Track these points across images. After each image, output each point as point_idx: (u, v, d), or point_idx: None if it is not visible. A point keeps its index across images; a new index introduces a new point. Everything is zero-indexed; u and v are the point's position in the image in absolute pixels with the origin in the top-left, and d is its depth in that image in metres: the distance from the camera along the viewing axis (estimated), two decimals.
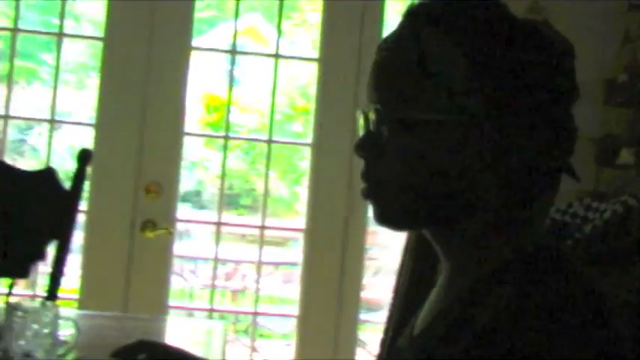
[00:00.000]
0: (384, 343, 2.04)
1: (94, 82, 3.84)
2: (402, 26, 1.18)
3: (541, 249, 1.13)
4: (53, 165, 3.64)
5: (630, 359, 1.09)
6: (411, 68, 1.14)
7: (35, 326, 1.72)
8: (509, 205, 1.14)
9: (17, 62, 4.75)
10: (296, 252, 3.95)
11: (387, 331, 2.07)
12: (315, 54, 3.88)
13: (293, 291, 3.99)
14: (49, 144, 3.87)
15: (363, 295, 3.86)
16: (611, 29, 3.67)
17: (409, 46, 1.15)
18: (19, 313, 1.71)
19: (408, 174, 1.14)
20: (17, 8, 3.84)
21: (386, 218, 1.19)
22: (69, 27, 6.73)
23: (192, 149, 6.76)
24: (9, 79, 3.87)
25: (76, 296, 3.80)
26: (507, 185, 1.12)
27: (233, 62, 3.89)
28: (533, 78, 1.11)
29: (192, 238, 5.90)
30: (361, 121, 1.20)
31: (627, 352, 1.08)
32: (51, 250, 2.58)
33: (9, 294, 2.60)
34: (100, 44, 3.81)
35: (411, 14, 1.18)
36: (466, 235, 1.16)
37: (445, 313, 1.16)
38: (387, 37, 1.20)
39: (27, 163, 7.25)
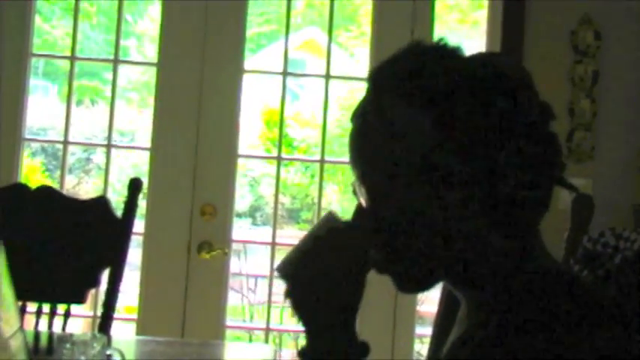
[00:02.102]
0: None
1: (153, 101, 3.88)
2: (367, 94, 1.20)
3: (544, 275, 1.15)
4: (115, 185, 3.73)
5: None
6: (377, 138, 1.16)
7: (83, 358, 1.76)
8: (502, 241, 1.15)
9: (83, 81, 4.88)
10: None
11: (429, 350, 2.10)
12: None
13: None
14: (107, 167, 3.94)
15: (420, 308, 3.88)
16: None
17: (373, 117, 1.17)
18: (67, 345, 1.75)
19: (404, 239, 1.17)
20: (75, 36, 3.93)
21: (400, 288, 1.22)
22: (132, 46, 6.86)
23: (253, 165, 6.81)
24: (68, 102, 3.94)
25: (135, 316, 3.87)
26: (499, 224, 1.14)
27: (284, 85, 3.90)
28: (497, 118, 1.12)
29: (251, 255, 5.93)
30: (355, 195, 1.23)
31: None
32: (105, 276, 2.63)
33: (66, 318, 2.65)
34: (154, 69, 3.87)
35: (372, 81, 1.20)
36: (469, 281, 1.19)
37: (461, 342, 1.19)
38: (356, 108, 1.21)
39: (92, 181, 7.36)
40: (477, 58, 1.19)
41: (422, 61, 1.17)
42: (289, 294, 1.19)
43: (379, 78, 1.19)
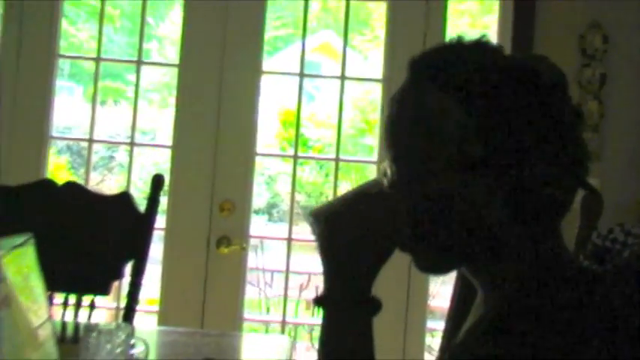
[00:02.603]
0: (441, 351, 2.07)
1: (174, 101, 3.89)
2: (406, 80, 1.21)
3: (562, 269, 1.16)
4: (137, 183, 3.74)
5: None
6: (416, 124, 1.17)
7: (109, 346, 1.77)
8: (522, 234, 1.16)
9: (107, 82, 4.89)
10: None
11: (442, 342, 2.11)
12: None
13: None
14: (130, 164, 3.96)
15: (431, 303, 3.87)
16: None
17: (412, 102, 1.18)
18: (94, 335, 1.76)
19: (430, 226, 1.17)
20: (100, 39, 3.95)
21: (419, 267, 1.23)
22: (153, 49, 6.87)
23: (270, 165, 6.82)
24: (93, 102, 3.96)
25: (157, 308, 3.88)
26: (521, 217, 1.14)
27: (301, 86, 3.90)
28: (530, 116, 1.12)
29: (267, 250, 5.94)
30: (383, 176, 1.22)
31: None
32: (128, 269, 2.64)
33: (91, 309, 2.67)
34: (176, 68, 3.88)
35: (412, 69, 1.20)
36: (489, 270, 1.19)
37: (473, 334, 1.20)
38: (396, 92, 1.22)
39: (115, 178, 7.39)
40: (517, 57, 1.19)
41: (462, 54, 1.17)
42: (321, 235, 1.18)
43: (420, 66, 1.19)
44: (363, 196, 1.19)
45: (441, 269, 1.25)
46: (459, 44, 1.19)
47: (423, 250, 1.20)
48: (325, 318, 1.18)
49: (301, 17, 3.94)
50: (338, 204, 1.20)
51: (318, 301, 1.18)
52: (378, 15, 5.00)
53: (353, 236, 1.15)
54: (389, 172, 1.21)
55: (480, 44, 1.19)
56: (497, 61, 1.17)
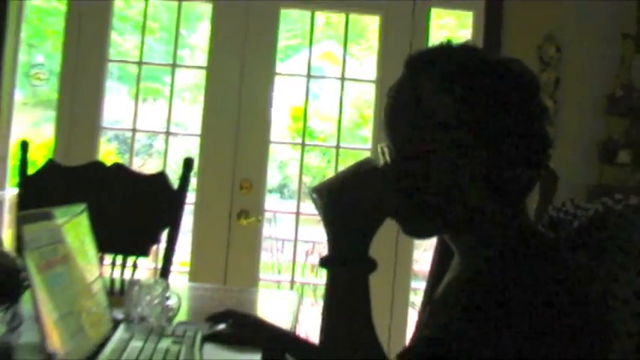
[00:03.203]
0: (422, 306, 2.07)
1: (203, 98, 3.90)
2: (403, 75, 1.20)
3: (528, 237, 1.15)
4: (171, 165, 3.74)
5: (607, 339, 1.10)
6: (411, 111, 1.16)
7: (148, 297, 1.77)
8: (496, 208, 1.16)
9: (147, 84, 4.87)
10: None
11: (423, 299, 2.10)
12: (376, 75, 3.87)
13: None
14: (166, 149, 3.97)
15: (414, 267, 3.88)
16: (611, 54, 3.65)
17: (408, 92, 1.17)
18: (136, 288, 1.76)
19: (419, 197, 1.16)
20: (142, 45, 3.95)
21: (406, 231, 1.22)
22: (186, 55, 6.87)
23: (281, 152, 6.82)
24: (136, 98, 3.97)
25: (187, 269, 3.89)
26: (495, 192, 1.14)
27: (308, 85, 3.90)
28: (509, 107, 1.12)
29: (279, 223, 5.95)
30: (381, 155, 1.22)
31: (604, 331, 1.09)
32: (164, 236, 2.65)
33: (134, 268, 2.67)
34: (204, 71, 3.88)
35: (408, 64, 1.19)
36: (467, 236, 1.19)
37: (451, 288, 1.20)
38: (393, 85, 1.21)
39: (154, 163, 7.40)
40: (499, 58, 1.19)
41: (452, 53, 1.17)
42: (324, 206, 1.17)
43: (415, 63, 1.19)
44: (357, 172, 1.17)
45: (424, 234, 1.24)
46: (450, 46, 1.19)
47: (410, 217, 1.19)
48: (329, 276, 1.17)
49: (308, 30, 3.95)
50: (337, 179, 1.19)
51: (324, 262, 1.17)
52: (372, 28, 4.99)
53: (350, 206, 1.14)
54: (387, 151, 1.20)
55: (466, 46, 1.19)
56: (480, 60, 1.16)
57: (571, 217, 1.56)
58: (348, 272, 1.15)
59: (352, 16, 4.00)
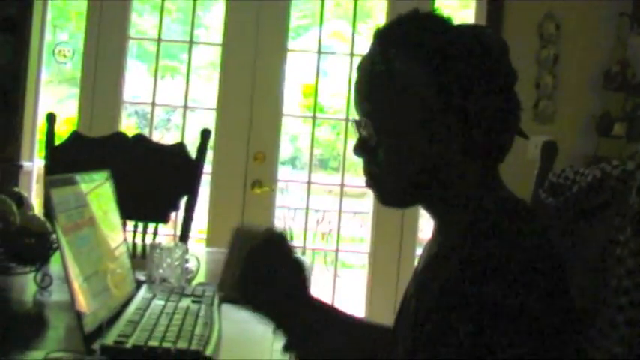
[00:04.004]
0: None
1: (218, 75, 3.90)
2: (373, 47, 1.15)
3: (502, 204, 1.12)
4: (188, 138, 3.75)
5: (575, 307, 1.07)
6: (383, 83, 1.12)
7: (169, 260, 1.78)
8: (472, 175, 1.13)
9: (165, 62, 4.88)
10: (369, 203, 3.97)
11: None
12: None
13: (366, 232, 4.03)
14: (184, 123, 3.97)
15: (420, 235, 3.88)
16: (607, 31, 3.63)
17: (380, 65, 1.12)
18: (158, 250, 1.77)
19: (393, 166, 1.13)
20: (161, 24, 3.94)
21: (384, 202, 1.19)
22: (201, 35, 6.85)
23: (292, 125, 6.81)
24: (155, 75, 3.97)
25: (205, 236, 3.91)
26: (470, 159, 1.11)
27: (319, 61, 3.89)
28: (480, 76, 1.08)
29: (291, 192, 5.95)
30: (356, 129, 1.18)
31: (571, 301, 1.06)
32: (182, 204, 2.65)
33: (155, 234, 2.68)
34: (219, 49, 3.88)
35: (378, 37, 1.15)
36: (442, 205, 1.16)
37: (430, 260, 1.17)
38: (362, 58, 1.17)
39: (172, 135, 7.41)
40: (466, 26, 1.15)
41: (423, 23, 1.13)
42: (252, 306, 1.18)
43: (386, 35, 1.14)
44: (250, 255, 1.16)
45: (400, 203, 1.20)
46: (419, 16, 1.14)
47: (386, 185, 1.16)
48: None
49: (318, 10, 3.93)
50: (242, 277, 1.17)
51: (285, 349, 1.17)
52: (379, 8, 4.95)
53: (272, 286, 1.16)
54: (361, 125, 1.16)
55: (433, 16, 1.14)
56: (448, 29, 1.12)
57: (570, 182, 1.55)
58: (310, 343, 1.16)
59: None
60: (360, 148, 1.16)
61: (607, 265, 1.26)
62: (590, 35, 3.64)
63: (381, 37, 1.15)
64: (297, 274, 1.18)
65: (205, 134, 2.64)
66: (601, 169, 1.48)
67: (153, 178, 2.62)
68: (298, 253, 1.18)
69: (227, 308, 1.59)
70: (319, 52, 3.87)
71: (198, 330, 1.37)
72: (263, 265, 1.15)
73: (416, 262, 1.27)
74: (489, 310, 0.96)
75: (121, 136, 2.70)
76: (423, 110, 1.10)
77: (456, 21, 1.17)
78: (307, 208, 4.04)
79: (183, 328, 1.37)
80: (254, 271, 1.15)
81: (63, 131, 2.70)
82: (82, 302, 1.29)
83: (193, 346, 1.28)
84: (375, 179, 1.17)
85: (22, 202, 1.71)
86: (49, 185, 1.29)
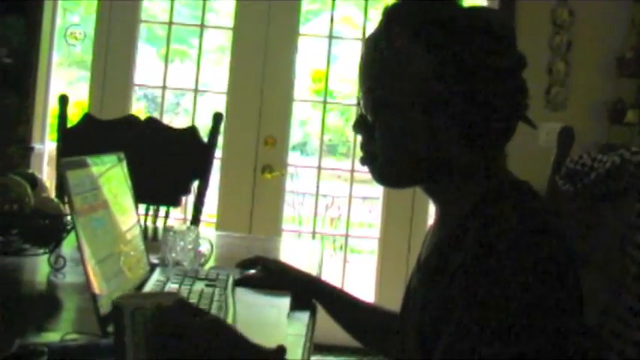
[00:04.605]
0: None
1: (228, 59, 3.88)
2: (379, 25, 1.14)
3: (505, 188, 1.10)
4: (197, 122, 3.73)
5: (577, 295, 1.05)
6: (385, 61, 1.11)
7: (182, 243, 1.76)
8: (473, 159, 1.10)
9: (174, 46, 4.86)
10: (378, 188, 3.96)
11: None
12: None
13: (376, 218, 4.01)
14: (194, 107, 3.95)
15: (430, 221, 3.87)
16: (621, 18, 3.61)
17: (383, 43, 1.11)
18: (171, 234, 1.76)
19: (391, 145, 1.12)
20: (172, 7, 3.92)
21: (379, 179, 1.18)
22: (211, 19, 6.84)
23: (302, 110, 6.79)
24: (166, 59, 3.95)
25: (214, 220, 3.90)
26: (470, 143, 1.09)
27: (330, 45, 3.87)
28: (482, 59, 1.06)
29: (301, 177, 5.94)
30: (361, 107, 1.16)
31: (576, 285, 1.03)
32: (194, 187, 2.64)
33: (166, 218, 2.67)
34: (230, 32, 3.85)
35: (385, 15, 1.13)
36: (443, 187, 1.14)
37: (437, 248, 1.14)
38: (369, 35, 1.16)
39: (180, 120, 7.39)
40: (474, 8, 1.13)
41: (427, 5, 1.11)
42: None
43: (392, 13, 1.13)
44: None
45: (399, 183, 1.18)
46: None
47: (382, 164, 1.14)
48: None
49: None
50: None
51: None
52: None
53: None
54: (362, 102, 1.15)
55: None
56: (457, 11, 1.10)
57: (588, 168, 1.53)
58: None
59: None
60: (359, 125, 1.16)
61: (626, 251, 1.24)
62: (604, 22, 3.61)
63: (387, 14, 1.13)
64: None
65: (217, 118, 2.61)
66: (620, 156, 1.46)
67: (165, 162, 2.60)
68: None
69: (241, 292, 1.59)
70: (330, 36, 3.85)
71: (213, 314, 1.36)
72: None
73: None
74: (505, 297, 0.94)
75: (133, 118, 2.68)
76: (421, 90, 1.08)
77: (468, 4, 1.15)
78: (317, 194, 4.02)
79: None
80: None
81: (73, 114, 2.69)
82: (97, 285, 1.27)
83: None
84: (370, 157, 1.15)
85: (35, 183, 1.69)
86: (64, 167, 1.27)
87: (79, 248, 1.25)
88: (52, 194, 2.00)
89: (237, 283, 1.63)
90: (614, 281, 1.33)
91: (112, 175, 1.55)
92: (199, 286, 1.54)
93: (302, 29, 3.90)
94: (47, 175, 3.89)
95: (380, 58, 1.12)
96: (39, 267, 1.69)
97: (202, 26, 3.92)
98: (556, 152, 1.68)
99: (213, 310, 1.38)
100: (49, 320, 1.38)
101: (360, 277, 4.59)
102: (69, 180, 1.27)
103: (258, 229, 3.72)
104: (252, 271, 1.69)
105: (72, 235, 1.69)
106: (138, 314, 0.97)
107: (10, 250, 1.61)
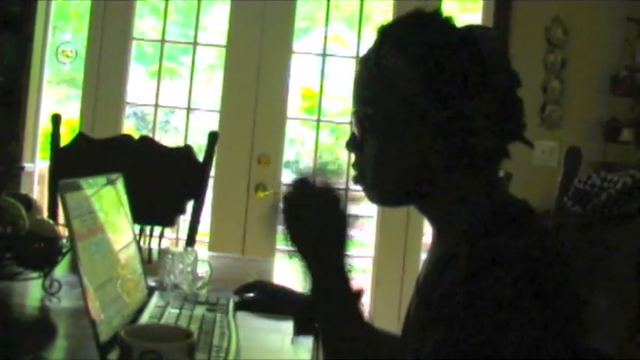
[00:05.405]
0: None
1: (217, 77, 3.85)
2: (373, 43, 1.13)
3: (500, 208, 1.07)
4: (189, 140, 3.69)
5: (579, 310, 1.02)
6: (374, 79, 1.10)
7: (181, 265, 1.73)
8: (465, 179, 1.08)
9: (164, 63, 4.82)
10: (372, 207, 3.92)
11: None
12: None
13: (369, 237, 3.97)
14: (187, 125, 3.91)
15: (424, 240, 3.83)
16: (615, 36, 3.61)
17: (373, 61, 1.10)
18: (169, 256, 1.73)
19: (378, 164, 1.11)
20: (164, 24, 3.89)
21: (371, 198, 1.16)
22: (200, 36, 6.82)
23: (291, 129, 6.77)
24: (158, 77, 3.92)
25: (207, 239, 3.84)
26: (461, 161, 1.07)
27: (324, 63, 3.86)
28: (468, 77, 1.05)
29: None
30: (353, 125, 1.15)
31: (576, 301, 1.01)
32: (189, 206, 2.59)
33: (161, 238, 2.62)
34: (223, 50, 3.82)
35: (378, 33, 1.13)
36: (437, 207, 1.12)
37: (432, 268, 1.12)
38: (364, 54, 1.15)
39: (170, 138, 7.33)
40: (464, 28, 1.11)
41: (421, 22, 1.10)
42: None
43: (385, 31, 1.12)
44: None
45: (389, 202, 1.18)
46: (417, 15, 1.11)
47: (374, 184, 1.13)
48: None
49: (316, 13, 3.90)
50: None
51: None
52: (378, 12, 4.92)
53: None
54: (353, 120, 1.14)
55: (435, 16, 1.11)
56: (444, 30, 1.09)
57: (597, 189, 1.51)
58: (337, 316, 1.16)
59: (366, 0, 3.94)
60: (351, 144, 1.15)
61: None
62: (598, 40, 3.60)
63: (380, 33, 1.13)
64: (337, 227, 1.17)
65: (213, 137, 2.58)
66: (631, 176, 1.44)
67: (159, 181, 2.56)
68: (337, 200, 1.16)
69: (242, 316, 1.55)
70: (324, 54, 3.83)
71: (216, 341, 1.32)
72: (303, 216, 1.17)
73: (420, 267, 1.21)
74: (492, 314, 0.92)
75: (127, 137, 2.64)
76: (408, 108, 1.07)
77: (462, 24, 1.13)
78: None
79: (201, 339, 1.31)
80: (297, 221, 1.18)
81: (63, 132, 2.64)
82: (96, 311, 1.23)
83: (213, 359, 1.22)
84: (361, 176, 1.15)
85: (30, 205, 1.64)
86: (62, 189, 1.22)
87: (79, 274, 1.21)
88: (45, 215, 1.94)
89: (238, 307, 1.59)
90: (630, 306, 1.30)
91: (106, 197, 1.51)
92: (200, 310, 1.50)
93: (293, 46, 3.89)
94: (37, 195, 3.83)
95: (369, 76, 1.11)
96: (33, 291, 1.64)
97: (195, 44, 3.88)
98: (563, 172, 1.66)
99: (216, 337, 1.33)
100: (46, 348, 1.33)
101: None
102: (68, 203, 1.22)
103: (252, 248, 3.67)
104: (252, 295, 1.67)
105: (65, 258, 1.64)
106: (148, 358, 0.94)
107: (3, 274, 1.55)
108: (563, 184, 1.64)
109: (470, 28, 1.12)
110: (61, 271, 1.69)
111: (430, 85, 1.05)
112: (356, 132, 1.14)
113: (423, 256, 4.02)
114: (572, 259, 1.16)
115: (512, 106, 1.09)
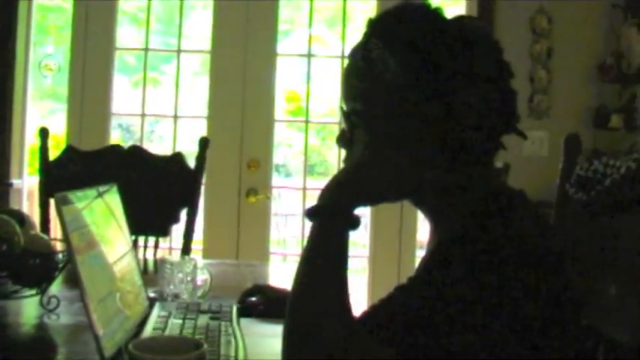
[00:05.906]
0: None
1: (203, 85, 3.81)
2: (362, 38, 1.12)
3: (497, 198, 1.05)
4: (176, 149, 3.65)
5: (580, 300, 1.02)
6: (361, 72, 1.08)
7: (180, 275, 1.70)
8: (457, 172, 1.06)
9: (146, 73, 4.78)
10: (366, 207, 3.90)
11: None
12: None
13: (364, 236, 3.95)
14: (175, 133, 3.87)
15: (418, 237, 3.81)
16: (600, 23, 3.60)
17: (360, 54, 1.09)
18: (168, 265, 1.70)
19: (369, 159, 1.08)
20: (147, 33, 3.85)
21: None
22: (183, 44, 6.80)
23: (278, 131, 6.76)
24: (144, 86, 3.88)
25: (200, 246, 3.81)
26: (453, 155, 1.05)
27: (309, 64, 3.83)
28: (457, 69, 1.03)
29: (282, 199, 5.88)
30: (343, 119, 1.13)
31: (577, 293, 1.01)
32: (183, 214, 2.56)
33: (156, 248, 2.59)
34: (207, 56, 3.79)
35: (367, 26, 1.11)
36: (431, 202, 1.10)
37: (425, 263, 1.09)
38: (353, 47, 1.13)
39: (156, 147, 7.29)
40: (453, 19, 1.10)
41: (408, 15, 1.08)
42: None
43: (373, 24, 1.10)
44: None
45: (382, 198, 1.12)
46: (406, 7, 1.10)
47: (366, 179, 1.09)
48: (312, 227, 1.07)
49: (295, 15, 3.87)
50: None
51: (311, 213, 1.07)
52: (358, 11, 4.91)
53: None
54: (343, 115, 1.12)
55: (422, 7, 1.09)
56: (436, 22, 1.07)
57: (601, 175, 1.49)
58: (330, 224, 1.05)
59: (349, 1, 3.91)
60: (341, 140, 1.14)
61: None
62: (583, 28, 3.60)
63: (369, 26, 1.11)
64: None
65: (204, 143, 2.54)
66: (635, 160, 1.42)
67: (151, 191, 2.52)
68: None
69: (246, 323, 1.52)
70: (309, 55, 3.80)
71: (223, 349, 1.28)
72: None
73: (416, 265, 1.19)
74: (488, 306, 0.93)
75: (117, 148, 2.60)
76: (398, 103, 1.05)
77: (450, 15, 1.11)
78: (303, 215, 3.95)
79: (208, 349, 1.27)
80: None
81: (49, 147, 2.61)
82: (99, 325, 1.19)
83: None
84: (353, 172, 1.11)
85: (23, 220, 1.60)
86: (60, 202, 1.19)
87: (80, 288, 1.17)
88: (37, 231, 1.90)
89: (241, 313, 1.57)
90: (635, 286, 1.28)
91: (96, 209, 1.47)
92: (204, 319, 1.47)
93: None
94: (27, 211, 3.77)
95: (357, 70, 1.09)
96: (30, 309, 1.60)
97: (179, 51, 3.84)
98: (563, 160, 1.64)
99: (223, 345, 1.30)
100: None
101: (350, 296, 4.50)
102: (65, 216, 1.19)
103: (246, 253, 3.64)
104: (253, 299, 1.66)
105: (62, 274, 1.60)
106: None
107: None
108: (564, 171, 1.62)
109: (460, 20, 1.10)
110: (56, 286, 1.66)
111: (420, 77, 1.03)
112: (345, 127, 1.12)
113: (419, 253, 4.00)
114: (573, 246, 1.14)
115: (506, 97, 1.07)
